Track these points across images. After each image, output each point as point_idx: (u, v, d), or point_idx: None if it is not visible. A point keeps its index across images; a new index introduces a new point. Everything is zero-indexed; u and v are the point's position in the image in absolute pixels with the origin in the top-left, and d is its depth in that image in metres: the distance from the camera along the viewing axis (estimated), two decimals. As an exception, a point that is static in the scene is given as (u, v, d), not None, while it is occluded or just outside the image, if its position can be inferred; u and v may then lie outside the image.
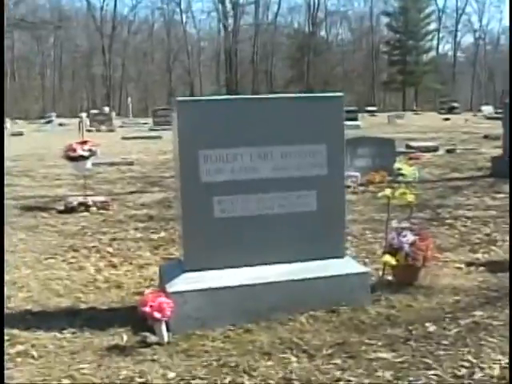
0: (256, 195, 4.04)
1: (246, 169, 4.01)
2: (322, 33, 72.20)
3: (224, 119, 3.97)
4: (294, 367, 3.32)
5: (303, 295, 4.03)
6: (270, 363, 3.37)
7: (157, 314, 3.60)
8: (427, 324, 3.83)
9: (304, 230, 4.16)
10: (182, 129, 3.90)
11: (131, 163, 13.71)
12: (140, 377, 3.26)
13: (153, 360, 3.45)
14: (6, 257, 5.74)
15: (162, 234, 6.66)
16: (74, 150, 8.07)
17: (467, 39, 75.86)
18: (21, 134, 26.86)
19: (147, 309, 3.61)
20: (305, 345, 3.58)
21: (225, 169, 3.97)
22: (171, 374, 3.27)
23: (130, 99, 48.05)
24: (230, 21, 67.93)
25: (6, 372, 3.33)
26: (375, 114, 41.60)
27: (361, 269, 4.31)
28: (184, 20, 70.15)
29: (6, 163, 13.61)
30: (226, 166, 3.97)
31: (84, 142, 8.28)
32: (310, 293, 4.04)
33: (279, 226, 4.10)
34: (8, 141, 22.03)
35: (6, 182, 10.54)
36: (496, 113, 33.47)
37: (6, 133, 26.53)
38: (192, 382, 3.19)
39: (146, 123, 32.71)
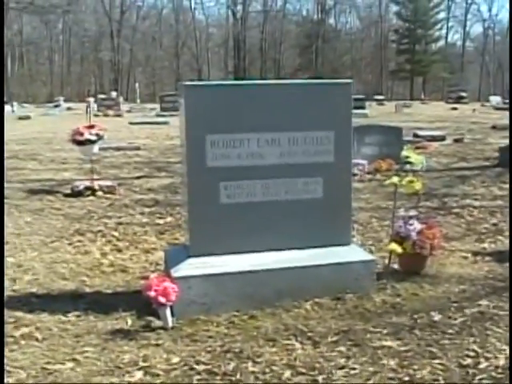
0: (262, 181, 4.03)
1: (252, 154, 3.99)
2: (331, 21, 71.81)
3: (231, 104, 3.95)
4: (299, 354, 3.31)
5: (308, 282, 4.02)
6: (274, 349, 3.37)
7: (161, 299, 3.59)
8: (433, 313, 3.81)
9: (310, 217, 4.15)
10: (188, 113, 3.87)
11: (138, 148, 13.68)
12: (144, 361, 3.26)
13: (157, 345, 3.46)
14: (12, 239, 5.76)
15: (168, 218, 6.65)
16: (81, 134, 8.05)
17: (476, 29, 75.37)
18: (28, 117, 26.83)
19: (152, 293, 3.61)
20: (309, 332, 3.58)
21: (232, 154, 3.95)
22: (175, 359, 3.27)
23: (137, 84, 48.01)
24: (239, 7, 67.62)
25: (10, 354, 3.34)
26: (383, 102, 41.35)
27: (367, 256, 4.30)
28: (193, 6, 69.98)
29: (13, 147, 13.67)
30: (232, 152, 3.95)
31: (91, 127, 8.27)
32: (316, 280, 4.03)
33: (285, 213, 4.09)
34: (15, 124, 22.09)
35: (12, 166, 10.59)
36: (504, 103, 33.27)
37: (13, 116, 26.58)
38: (196, 367, 3.19)
39: (153, 109, 32.64)
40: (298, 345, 3.42)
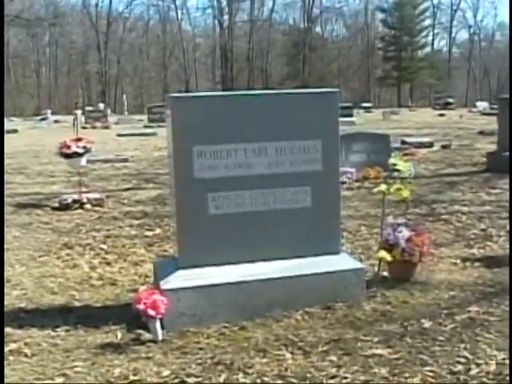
0: (251, 191, 4.03)
1: (240, 165, 3.99)
2: (318, 29, 72.10)
3: (218, 115, 3.95)
4: (289, 364, 3.30)
5: (298, 292, 4.02)
6: (265, 360, 3.35)
7: (151, 312, 3.58)
8: (423, 320, 3.81)
9: (299, 227, 4.15)
10: (175, 125, 3.88)
11: (126, 160, 13.65)
12: (134, 374, 3.24)
13: (147, 358, 3.44)
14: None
15: (157, 230, 6.63)
16: (69, 147, 8.04)
17: (462, 35, 75.64)
18: (16, 131, 26.72)
19: (141, 306, 3.59)
20: (300, 341, 3.57)
21: (219, 165, 3.95)
22: (165, 372, 3.26)
23: (125, 96, 47.90)
24: (226, 17, 67.81)
25: (-1, 371, 3.32)
26: (370, 110, 41.54)
27: (356, 265, 4.30)
28: (179, 17, 70.02)
29: (0, 161, 13.57)
30: (220, 162, 3.95)
31: (78, 139, 8.25)
32: (305, 289, 4.02)
33: (274, 223, 4.09)
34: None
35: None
36: (491, 108, 33.45)
37: (1, 130, 26.42)
38: (186, 379, 3.17)
39: (141, 120, 32.60)
40: (288, 355, 3.41)
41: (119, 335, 3.75)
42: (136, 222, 7.14)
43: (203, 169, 3.91)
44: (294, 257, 4.12)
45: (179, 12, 69.89)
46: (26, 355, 3.54)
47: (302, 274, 4.05)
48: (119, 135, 22.34)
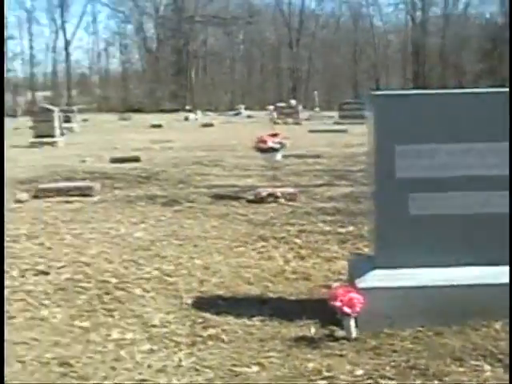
0: (454, 193, 3.89)
1: (443, 165, 3.86)
2: (518, 23, 68.15)
3: (423, 114, 3.86)
4: (488, 376, 3.15)
5: (498, 301, 3.81)
6: (461, 369, 3.23)
7: (347, 309, 3.58)
8: None
9: (498, 232, 3.94)
10: (378, 123, 3.84)
11: (318, 156, 13.72)
12: (327, 371, 3.25)
13: (340, 355, 3.44)
14: (200, 242, 6.01)
15: (350, 228, 6.60)
16: (265, 142, 8.28)
17: None
18: (211, 125, 28.04)
19: (338, 303, 3.61)
20: (500, 354, 3.39)
21: (421, 165, 3.85)
22: (359, 371, 3.24)
23: (316, 92, 48.39)
24: (418, 13, 66.25)
25: (199, 353, 3.49)
26: None
27: None
28: (371, 13, 69.53)
29: (198, 153, 14.33)
30: (422, 162, 3.85)
31: (274, 135, 8.46)
32: (505, 299, 3.81)
33: (477, 227, 3.92)
34: (199, 131, 23.15)
35: (198, 171, 11.09)
36: None
37: (197, 124, 27.87)
38: (380, 380, 3.14)
39: (330, 116, 32.81)
40: (487, 366, 3.26)
41: (313, 330, 3.79)
42: (329, 218, 7.15)
43: (405, 168, 3.84)
44: (495, 264, 3.92)
45: (371, 8, 69.46)
46: (223, 341, 3.68)
47: (501, 283, 3.84)
48: (310, 131, 22.60)
